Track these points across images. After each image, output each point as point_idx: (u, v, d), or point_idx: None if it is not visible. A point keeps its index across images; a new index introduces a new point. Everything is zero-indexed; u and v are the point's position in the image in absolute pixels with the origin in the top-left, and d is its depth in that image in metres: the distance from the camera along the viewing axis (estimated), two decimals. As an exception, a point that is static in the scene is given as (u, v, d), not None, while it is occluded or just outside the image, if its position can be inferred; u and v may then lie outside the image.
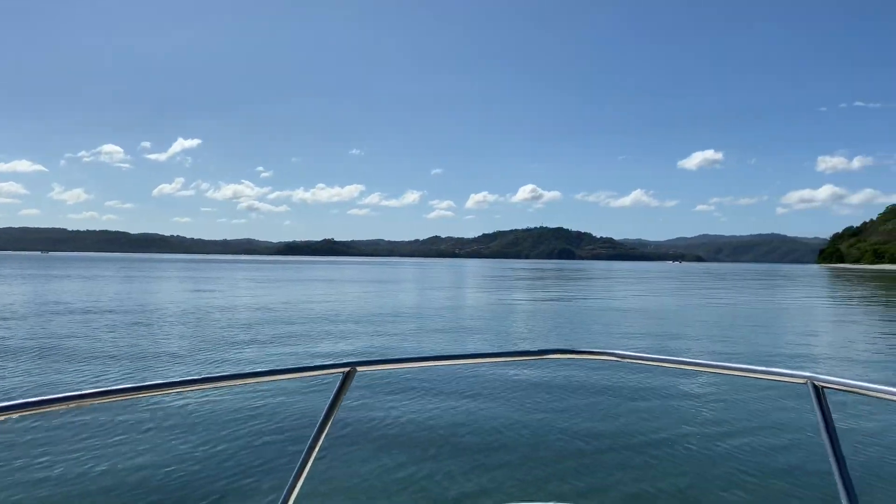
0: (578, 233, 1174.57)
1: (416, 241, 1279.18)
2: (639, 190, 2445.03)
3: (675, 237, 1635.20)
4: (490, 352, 2.25)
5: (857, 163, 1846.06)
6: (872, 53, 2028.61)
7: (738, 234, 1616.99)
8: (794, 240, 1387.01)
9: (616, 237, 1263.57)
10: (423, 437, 7.98)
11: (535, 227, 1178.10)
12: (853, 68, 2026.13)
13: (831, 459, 1.70)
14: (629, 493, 6.09)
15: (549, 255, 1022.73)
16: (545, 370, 12.07)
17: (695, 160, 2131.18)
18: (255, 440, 7.69)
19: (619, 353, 2.26)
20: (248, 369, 1.92)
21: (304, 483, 1.88)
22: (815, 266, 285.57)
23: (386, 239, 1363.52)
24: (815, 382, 1.79)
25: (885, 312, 31.47)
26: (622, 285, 59.03)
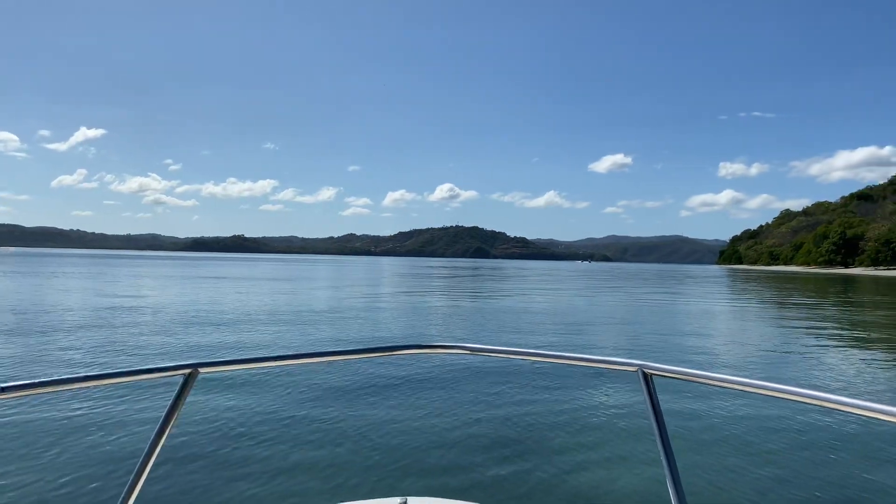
0: (493, 232, 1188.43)
1: (331, 238, 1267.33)
2: (552, 191, 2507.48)
3: (584, 237, 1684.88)
4: (340, 350, 2.22)
5: (754, 169, 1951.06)
6: (768, 66, 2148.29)
7: (643, 235, 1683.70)
8: (695, 241, 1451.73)
9: (529, 237, 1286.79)
10: (269, 440, 7.40)
11: (451, 226, 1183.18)
12: (751, 80, 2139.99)
13: (657, 439, 1.83)
14: (475, 481, 6.11)
15: (464, 254, 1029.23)
16: (398, 366, 11.66)
17: (605, 163, 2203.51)
18: (85, 454, 6.68)
19: (470, 347, 2.26)
20: (67, 374, 1.72)
21: (137, 497, 1.76)
22: (715, 267, 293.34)
23: (299, 236, 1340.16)
24: (645, 370, 1.92)
25: (767, 311, 31.18)
26: (521, 283, 57.37)
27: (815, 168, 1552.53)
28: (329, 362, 2.11)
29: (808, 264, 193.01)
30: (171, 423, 1.82)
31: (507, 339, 17.54)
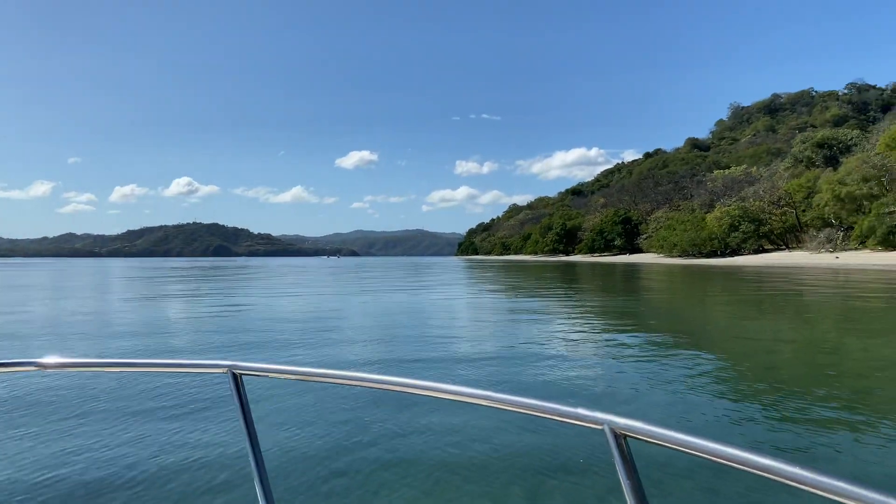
0: (236, 229, 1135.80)
1: (45, 238, 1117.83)
2: (299, 186, 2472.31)
3: (332, 233, 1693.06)
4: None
5: (486, 167, 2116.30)
6: (495, 71, 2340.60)
7: (389, 229, 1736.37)
8: (436, 234, 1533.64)
9: (275, 233, 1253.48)
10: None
11: (189, 223, 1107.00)
12: (480, 83, 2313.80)
13: (246, 441, 1.86)
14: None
15: (205, 252, 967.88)
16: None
17: (352, 159, 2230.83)
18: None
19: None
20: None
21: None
22: (454, 258, 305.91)
23: (5, 237, 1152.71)
24: (235, 371, 1.94)
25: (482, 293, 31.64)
26: (268, 281, 50.29)
27: (537, 167, 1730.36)
28: None
29: (536, 253, 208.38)
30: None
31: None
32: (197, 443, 6.68)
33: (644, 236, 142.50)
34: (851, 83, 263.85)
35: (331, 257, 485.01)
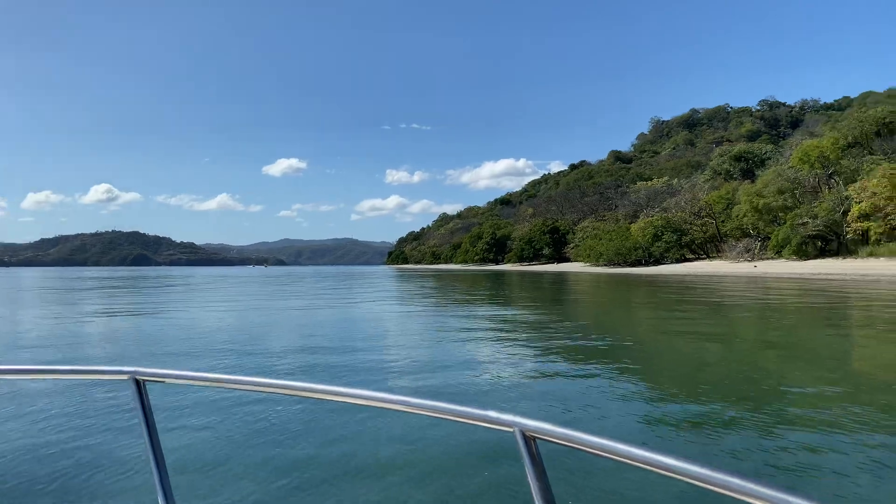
0: (157, 237, 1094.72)
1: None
2: (224, 194, 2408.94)
3: (258, 241, 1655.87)
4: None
5: (416, 176, 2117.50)
6: (425, 81, 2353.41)
7: (317, 238, 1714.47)
8: (365, 243, 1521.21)
9: (198, 242, 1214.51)
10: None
11: (107, 231, 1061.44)
12: (410, 93, 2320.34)
13: (149, 449, 1.84)
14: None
15: (123, 262, 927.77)
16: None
17: (280, 166, 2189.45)
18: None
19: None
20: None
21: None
22: (384, 267, 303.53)
23: None
24: (138, 377, 1.91)
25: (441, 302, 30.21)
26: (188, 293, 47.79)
27: (467, 176, 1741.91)
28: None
29: (467, 262, 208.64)
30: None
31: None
32: (98, 450, 6.56)
33: (571, 245, 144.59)
34: (764, 100, 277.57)
35: (257, 267, 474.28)
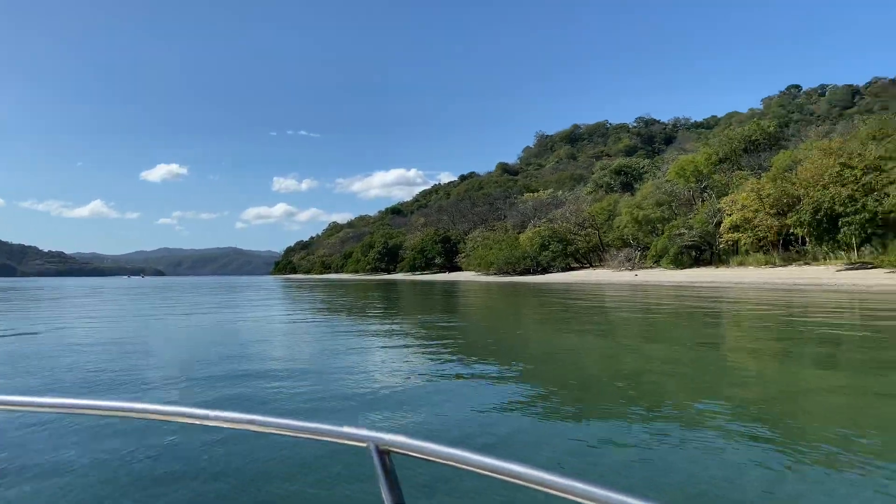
0: (22, 246, 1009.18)
1: None
2: (98, 200, 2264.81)
3: (135, 250, 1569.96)
4: None
5: (305, 184, 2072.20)
6: (312, 88, 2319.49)
7: (198, 247, 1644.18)
8: (250, 253, 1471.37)
9: (68, 251, 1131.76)
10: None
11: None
12: (297, 99, 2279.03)
13: None
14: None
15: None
16: None
17: (159, 172, 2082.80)
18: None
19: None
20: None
21: None
22: (270, 277, 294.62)
23: None
24: None
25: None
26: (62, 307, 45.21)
27: (357, 185, 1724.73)
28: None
29: (358, 271, 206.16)
30: None
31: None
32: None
33: (463, 255, 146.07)
34: (640, 117, 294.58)
35: (132, 277, 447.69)
